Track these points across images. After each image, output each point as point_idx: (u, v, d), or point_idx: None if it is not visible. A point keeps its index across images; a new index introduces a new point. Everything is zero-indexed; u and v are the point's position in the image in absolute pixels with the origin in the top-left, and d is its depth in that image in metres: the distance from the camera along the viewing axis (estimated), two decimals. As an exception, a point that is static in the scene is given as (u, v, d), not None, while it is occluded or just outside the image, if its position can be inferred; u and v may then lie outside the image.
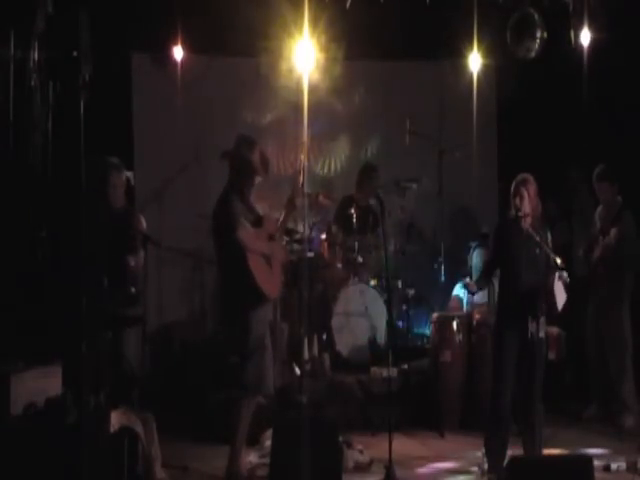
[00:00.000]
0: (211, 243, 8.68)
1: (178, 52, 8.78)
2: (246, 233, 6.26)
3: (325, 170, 9.48)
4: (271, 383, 6.38)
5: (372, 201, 8.57)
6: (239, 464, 6.31)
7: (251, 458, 6.66)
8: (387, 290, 7.41)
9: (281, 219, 6.64)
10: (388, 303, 7.53)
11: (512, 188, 6.40)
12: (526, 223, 6.30)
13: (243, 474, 6.33)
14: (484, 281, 6.85)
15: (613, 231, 7.83)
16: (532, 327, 6.22)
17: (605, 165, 8.01)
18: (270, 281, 6.39)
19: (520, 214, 6.29)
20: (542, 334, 6.27)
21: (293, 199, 6.65)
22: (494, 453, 6.37)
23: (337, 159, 9.53)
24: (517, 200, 6.33)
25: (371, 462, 6.77)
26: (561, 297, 6.26)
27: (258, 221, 6.46)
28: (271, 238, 6.49)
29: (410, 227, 8.89)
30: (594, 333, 8.04)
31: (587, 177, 8.73)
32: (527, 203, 6.32)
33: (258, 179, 6.44)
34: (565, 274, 6.21)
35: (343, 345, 8.35)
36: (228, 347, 6.57)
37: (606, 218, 7.97)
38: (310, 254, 8.67)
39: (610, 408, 7.97)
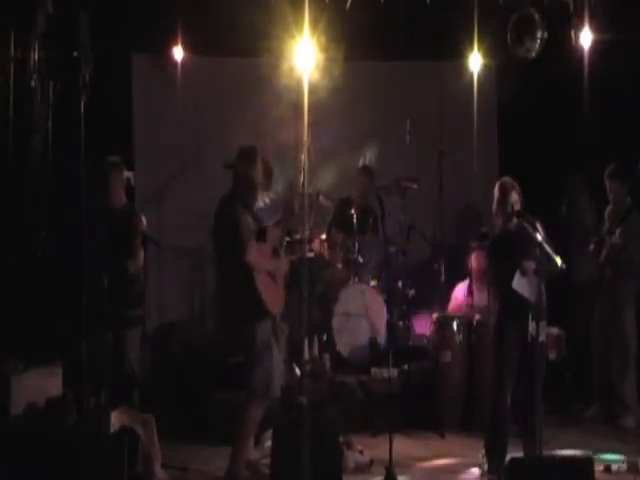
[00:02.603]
0: (211, 243, 8.70)
1: (178, 52, 8.77)
2: (255, 255, 6.18)
3: (325, 170, 9.46)
4: (277, 386, 6.35)
5: (371, 202, 8.58)
6: (240, 466, 6.29)
7: (250, 458, 6.66)
8: (387, 290, 7.41)
9: (280, 225, 6.57)
10: (388, 303, 7.53)
11: (499, 196, 6.40)
12: (525, 224, 6.30)
13: (244, 475, 6.31)
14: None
15: (618, 231, 7.83)
16: (532, 329, 6.23)
17: (617, 163, 7.99)
18: (275, 297, 6.37)
19: (518, 217, 6.31)
20: (543, 337, 6.27)
21: (292, 203, 6.61)
22: (494, 453, 6.36)
23: (337, 159, 9.51)
24: (509, 208, 6.35)
25: (371, 462, 6.76)
26: (526, 289, 6.23)
27: (262, 233, 6.39)
28: (274, 252, 6.43)
29: (410, 227, 8.88)
30: (598, 333, 8.03)
31: (587, 182, 8.74)
32: (519, 206, 6.35)
33: (260, 191, 6.44)
34: (531, 264, 6.19)
35: (343, 345, 8.35)
36: (230, 350, 6.58)
37: (615, 218, 7.96)
38: (310, 254, 8.68)
39: (611, 409, 7.96)
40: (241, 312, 6.26)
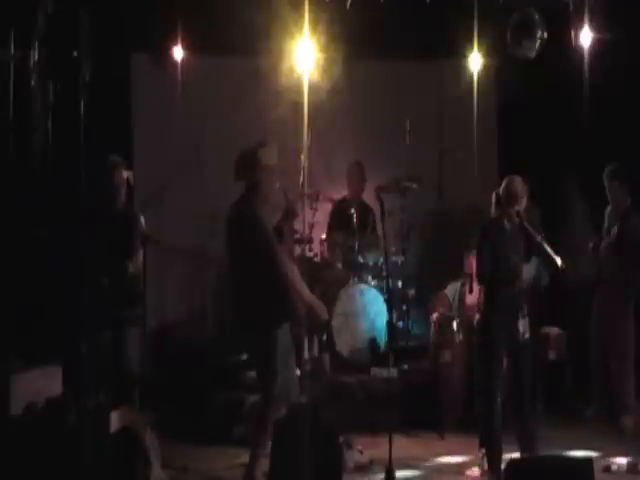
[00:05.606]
0: (210, 243, 8.69)
1: (178, 52, 8.77)
2: (284, 256, 6.12)
3: (325, 170, 9.46)
4: (297, 389, 6.26)
5: (370, 201, 8.60)
6: (259, 471, 6.23)
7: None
8: (387, 290, 7.41)
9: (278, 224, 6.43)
10: (388, 303, 7.53)
11: (509, 194, 6.39)
12: (526, 224, 6.32)
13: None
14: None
15: (612, 231, 7.83)
16: (522, 327, 6.27)
17: (617, 164, 7.98)
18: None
19: (519, 217, 6.33)
20: (527, 335, 6.30)
21: (293, 206, 6.56)
22: (494, 453, 6.36)
23: (337, 159, 9.51)
24: (517, 206, 6.35)
25: (371, 462, 6.76)
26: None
27: (279, 234, 6.28)
28: (290, 255, 6.42)
29: (410, 227, 8.88)
30: (597, 333, 8.03)
31: (581, 182, 8.74)
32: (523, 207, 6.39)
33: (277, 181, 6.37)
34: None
35: (343, 345, 8.35)
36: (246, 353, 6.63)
37: (615, 218, 7.95)
38: (310, 254, 8.69)
39: (611, 409, 7.96)
40: (269, 315, 6.15)
